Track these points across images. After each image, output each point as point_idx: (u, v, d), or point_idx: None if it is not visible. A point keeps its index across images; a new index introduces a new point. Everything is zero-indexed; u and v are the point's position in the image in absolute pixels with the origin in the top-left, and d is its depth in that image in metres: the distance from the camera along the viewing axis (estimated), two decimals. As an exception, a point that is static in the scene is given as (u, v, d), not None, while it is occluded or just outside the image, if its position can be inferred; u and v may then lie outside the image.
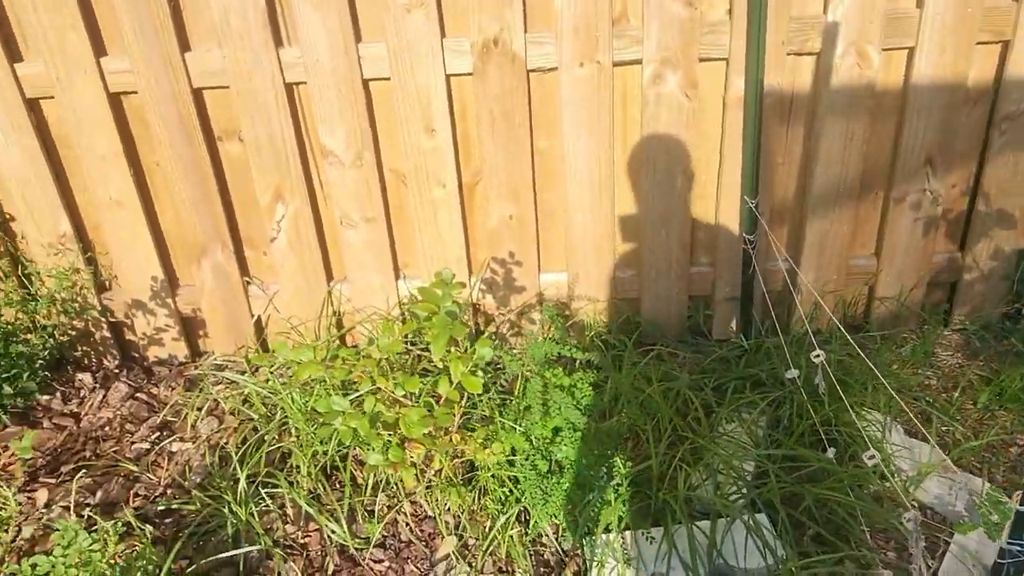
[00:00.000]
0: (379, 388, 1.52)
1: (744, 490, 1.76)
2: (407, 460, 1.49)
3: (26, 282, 2.48)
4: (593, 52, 2.09)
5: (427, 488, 1.83)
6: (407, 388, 1.51)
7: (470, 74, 2.15)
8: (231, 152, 2.31)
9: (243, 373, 2.48)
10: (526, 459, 1.64)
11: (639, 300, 2.45)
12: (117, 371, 2.56)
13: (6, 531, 1.66)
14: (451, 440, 1.65)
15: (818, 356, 1.76)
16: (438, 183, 2.27)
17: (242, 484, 1.86)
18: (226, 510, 1.85)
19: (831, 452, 1.74)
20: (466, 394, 1.65)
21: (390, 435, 1.53)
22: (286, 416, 2.16)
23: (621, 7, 2.09)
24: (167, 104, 2.18)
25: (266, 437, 2.10)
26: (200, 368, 2.57)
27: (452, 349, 1.56)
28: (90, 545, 1.50)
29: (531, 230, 2.34)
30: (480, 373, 1.48)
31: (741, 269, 2.30)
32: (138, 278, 2.46)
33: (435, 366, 1.71)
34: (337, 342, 2.55)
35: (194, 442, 2.20)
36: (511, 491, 1.77)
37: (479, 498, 1.80)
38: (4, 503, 1.82)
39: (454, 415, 1.56)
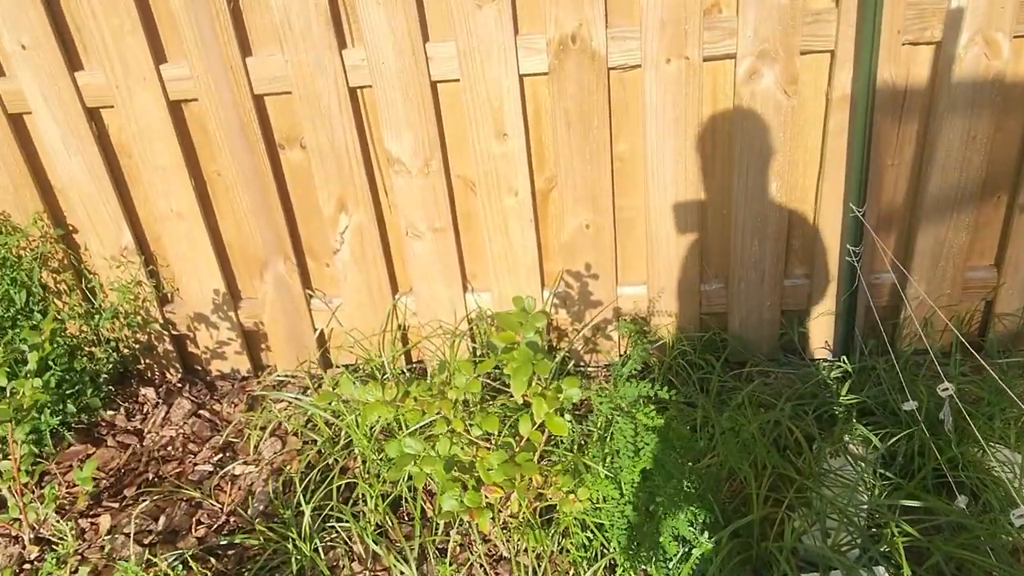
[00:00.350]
0: (454, 430, 1.38)
1: (859, 540, 1.56)
2: (483, 503, 1.35)
3: (89, 295, 2.43)
4: (681, 47, 1.90)
5: (503, 528, 1.69)
6: (485, 428, 1.37)
7: (544, 74, 1.98)
8: (293, 160, 2.20)
9: (305, 390, 2.39)
10: (615, 506, 1.48)
11: (727, 315, 2.25)
12: (180, 385, 2.49)
13: (65, 564, 1.59)
14: (532, 483, 1.50)
15: (946, 390, 1.55)
16: (510, 190, 2.12)
17: (307, 518, 1.75)
18: (290, 545, 1.75)
19: (962, 500, 1.53)
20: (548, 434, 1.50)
21: (466, 477, 1.39)
22: (351, 439, 2.05)
23: (713, -4, 1.89)
24: (228, 111, 2.08)
25: (330, 462, 2.00)
26: (262, 383, 2.49)
27: (534, 383, 1.40)
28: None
29: (609, 240, 2.17)
30: (567, 415, 1.32)
31: (841, 282, 2.09)
32: (200, 291, 2.38)
33: (507, 392, 1.56)
34: (403, 358, 2.43)
35: (257, 465, 2.11)
36: (594, 535, 1.61)
37: (559, 539, 1.65)
38: (62, 539, 1.76)
39: (536, 459, 1.41)
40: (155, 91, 2.08)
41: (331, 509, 1.83)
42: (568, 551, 1.63)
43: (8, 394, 1.68)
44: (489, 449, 1.40)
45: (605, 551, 1.60)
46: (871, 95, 1.82)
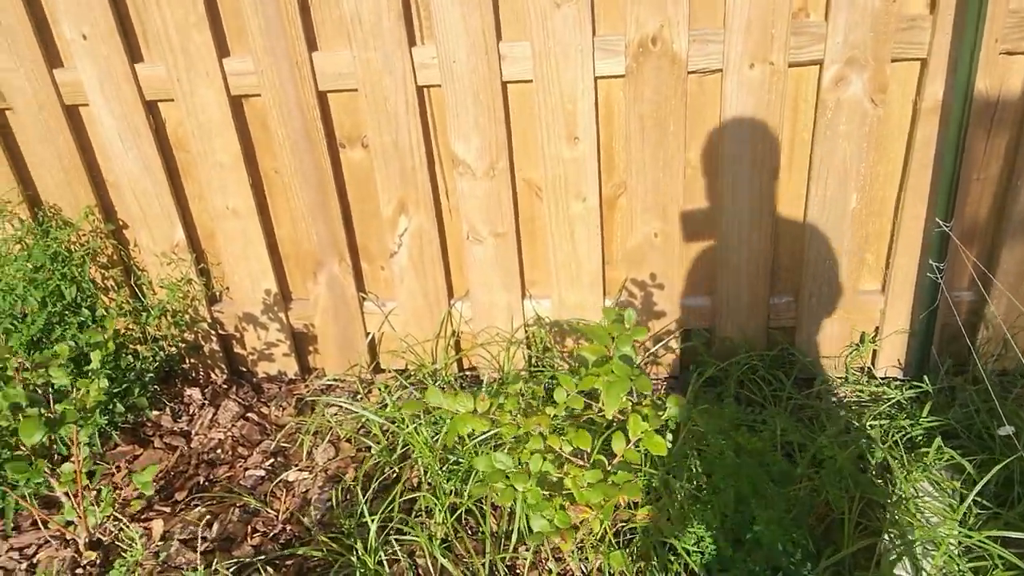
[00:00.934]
0: (551, 448, 1.31)
1: (962, 571, 1.49)
2: (572, 523, 1.28)
3: (137, 292, 2.38)
4: (767, 51, 1.83)
5: (578, 547, 1.62)
6: (577, 444, 1.31)
7: (620, 76, 1.92)
8: (353, 160, 2.14)
9: (355, 395, 2.33)
10: (703, 531, 1.41)
11: (795, 329, 2.18)
12: (226, 387, 2.43)
13: (132, 572, 1.53)
14: (628, 508, 1.43)
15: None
16: (577, 196, 2.05)
17: (372, 531, 1.68)
18: (354, 558, 1.69)
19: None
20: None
21: (554, 495, 1.33)
22: (407, 447, 1.99)
23: (801, 0, 1.82)
24: (291, 108, 2.02)
25: (386, 472, 1.94)
26: (309, 386, 2.43)
27: (627, 400, 1.34)
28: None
29: (677, 249, 2.10)
30: (668, 435, 1.26)
31: (918, 299, 2.02)
32: (251, 290, 2.33)
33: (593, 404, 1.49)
34: (455, 365, 2.37)
35: (311, 472, 2.05)
36: (673, 558, 1.54)
37: (641, 562, 1.58)
38: (131, 544, 1.70)
39: (638, 482, 1.33)
40: (217, 86, 2.02)
41: (394, 521, 1.77)
42: (646, 574, 1.56)
43: (70, 394, 1.63)
44: (580, 467, 1.33)
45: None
46: (967, 107, 1.75)
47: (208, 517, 1.92)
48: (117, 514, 1.89)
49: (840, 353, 2.20)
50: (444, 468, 1.86)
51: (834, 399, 2.12)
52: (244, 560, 1.76)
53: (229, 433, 2.23)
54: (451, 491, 1.79)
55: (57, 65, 2.09)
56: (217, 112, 2.06)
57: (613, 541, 1.57)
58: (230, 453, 2.16)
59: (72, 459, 1.59)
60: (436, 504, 1.74)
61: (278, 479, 2.03)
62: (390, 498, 1.80)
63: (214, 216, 2.22)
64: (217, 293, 2.41)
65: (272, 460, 2.11)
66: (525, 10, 1.85)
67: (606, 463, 1.33)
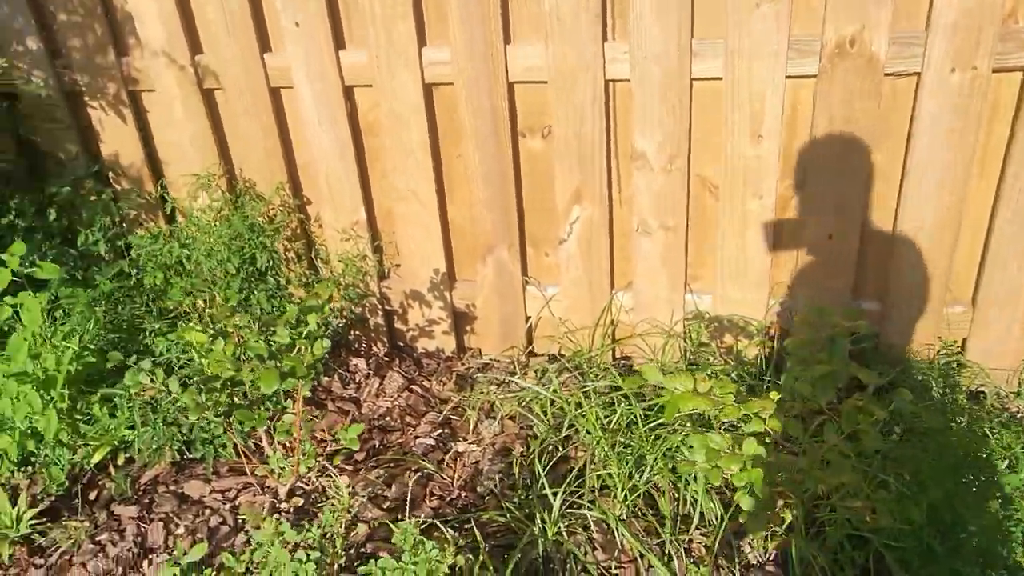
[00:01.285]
0: (769, 431, 1.35)
1: None
2: (777, 507, 1.32)
3: (315, 264, 2.54)
4: (971, 56, 1.81)
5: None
6: (789, 431, 1.35)
7: (811, 76, 1.94)
8: (531, 149, 2.23)
9: (512, 375, 2.42)
10: (911, 529, 1.42)
11: (967, 340, 2.15)
12: (387, 359, 2.57)
13: (336, 518, 1.66)
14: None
15: None
16: (755, 194, 2.08)
17: (557, 505, 1.77)
18: (535, 527, 1.77)
19: None
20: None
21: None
22: (572, 426, 2.06)
23: (1012, 3, 1.80)
24: (481, 97, 2.13)
25: (552, 449, 2.02)
26: (465, 363, 2.54)
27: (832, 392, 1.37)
28: (437, 555, 1.45)
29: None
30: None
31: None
32: (420, 269, 2.45)
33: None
34: (609, 353, 2.43)
35: (478, 444, 2.15)
36: (860, 549, 1.56)
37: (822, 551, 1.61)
38: (337, 492, 1.84)
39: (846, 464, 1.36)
40: (414, 73, 2.14)
41: (566, 495, 1.84)
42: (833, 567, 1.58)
43: (282, 353, 1.77)
44: (792, 454, 1.37)
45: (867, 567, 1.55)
46: None
47: (386, 477, 2.05)
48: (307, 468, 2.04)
49: (1013, 366, 2.15)
50: (614, 448, 1.92)
51: (1006, 413, 2.08)
52: (426, 520, 1.87)
53: (396, 402, 2.36)
54: (627, 473, 1.85)
55: (267, 50, 2.26)
56: (411, 99, 2.18)
57: (801, 529, 1.60)
58: (399, 421, 2.29)
59: (292, 410, 1.73)
60: (616, 483, 1.81)
61: (449, 449, 2.14)
62: (563, 474, 1.87)
63: (394, 197, 2.35)
64: (386, 270, 2.55)
65: (440, 431, 2.23)
66: (724, 8, 1.89)
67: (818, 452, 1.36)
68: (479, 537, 1.75)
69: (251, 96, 2.30)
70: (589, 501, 1.83)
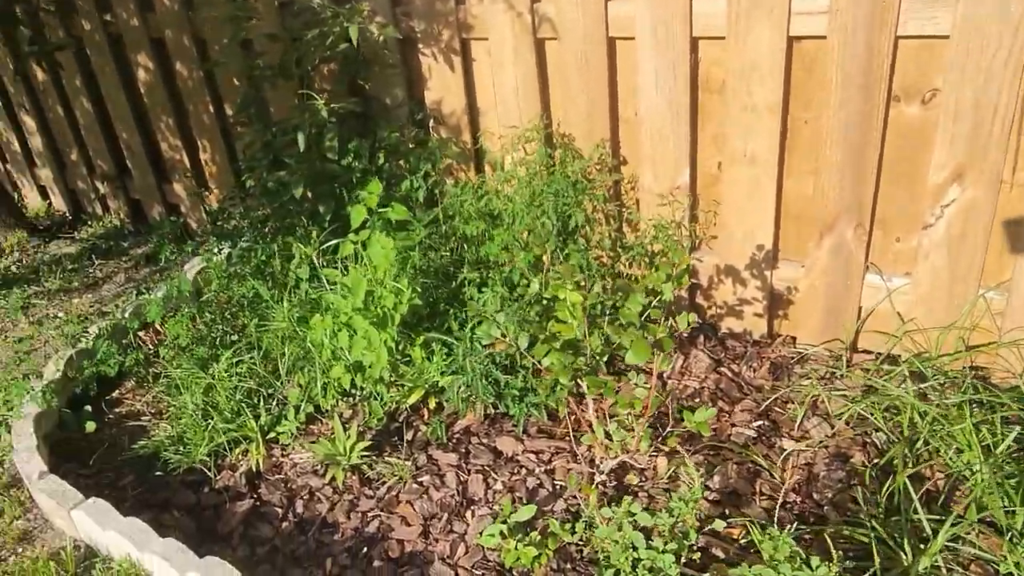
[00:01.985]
0: None
1: None
2: None
3: (623, 227, 2.42)
4: None
5: None
6: None
7: None
8: (905, 115, 1.93)
9: (834, 370, 2.16)
10: None
11: None
12: (687, 336, 2.41)
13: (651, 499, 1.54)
14: None
15: None
16: None
17: (941, 539, 1.51)
18: (904, 556, 1.54)
19: None
20: None
21: None
22: (928, 441, 1.78)
23: None
24: (858, 53, 1.85)
25: (899, 464, 1.75)
26: (777, 350, 2.31)
27: None
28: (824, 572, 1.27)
29: None
30: None
31: None
32: (740, 242, 2.25)
33: None
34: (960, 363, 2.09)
35: (808, 445, 1.93)
36: None
37: None
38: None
39: None
40: (779, 24, 1.91)
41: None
42: None
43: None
44: None
45: None
46: None
47: (707, 465, 1.90)
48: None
49: None
50: (1000, 487, 1.62)
51: None
52: (758, 521, 1.70)
53: (704, 384, 2.20)
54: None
55: (610, -2, 2.14)
56: (767, 52, 1.95)
57: None
58: (710, 404, 2.13)
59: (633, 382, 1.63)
60: (1001, 520, 1.52)
61: (774, 444, 1.95)
62: (923, 499, 1.61)
63: (726, 161, 2.15)
64: (698, 241, 2.37)
65: (760, 422, 2.04)
66: None
67: None
68: (833, 553, 1.55)
69: (586, 47, 2.19)
70: (971, 536, 1.56)
